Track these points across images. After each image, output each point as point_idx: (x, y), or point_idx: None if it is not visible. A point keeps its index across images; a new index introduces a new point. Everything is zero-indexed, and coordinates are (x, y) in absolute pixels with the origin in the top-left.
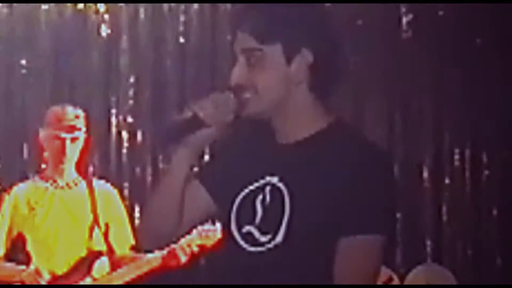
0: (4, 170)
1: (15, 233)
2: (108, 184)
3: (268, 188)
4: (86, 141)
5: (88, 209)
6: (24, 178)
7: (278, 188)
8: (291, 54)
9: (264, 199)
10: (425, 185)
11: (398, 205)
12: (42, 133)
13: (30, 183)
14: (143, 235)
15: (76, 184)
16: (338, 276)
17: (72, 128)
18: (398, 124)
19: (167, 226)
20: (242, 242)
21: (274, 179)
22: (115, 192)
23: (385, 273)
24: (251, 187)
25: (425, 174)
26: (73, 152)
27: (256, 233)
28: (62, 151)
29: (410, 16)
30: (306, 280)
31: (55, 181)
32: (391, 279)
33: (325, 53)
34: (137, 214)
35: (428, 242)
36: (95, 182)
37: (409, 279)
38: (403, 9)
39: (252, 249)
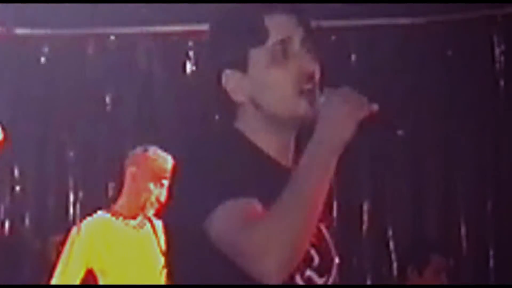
0: (89, 208)
1: (85, 269)
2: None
3: None
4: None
5: (158, 251)
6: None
7: None
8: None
9: None
10: None
11: None
12: (132, 171)
13: (105, 219)
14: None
15: (144, 225)
16: None
17: (163, 178)
18: None
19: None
20: None
21: None
22: None
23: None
24: None
25: None
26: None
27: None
28: (148, 196)
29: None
30: None
31: (129, 220)
32: None
33: None
34: None
35: None
36: (155, 221)
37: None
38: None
39: None
